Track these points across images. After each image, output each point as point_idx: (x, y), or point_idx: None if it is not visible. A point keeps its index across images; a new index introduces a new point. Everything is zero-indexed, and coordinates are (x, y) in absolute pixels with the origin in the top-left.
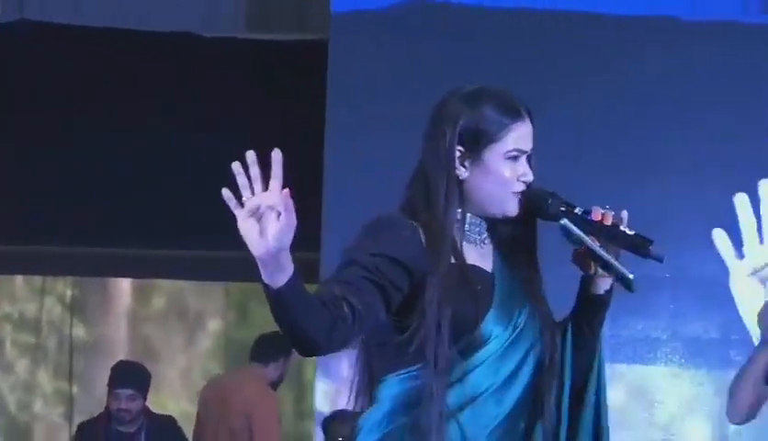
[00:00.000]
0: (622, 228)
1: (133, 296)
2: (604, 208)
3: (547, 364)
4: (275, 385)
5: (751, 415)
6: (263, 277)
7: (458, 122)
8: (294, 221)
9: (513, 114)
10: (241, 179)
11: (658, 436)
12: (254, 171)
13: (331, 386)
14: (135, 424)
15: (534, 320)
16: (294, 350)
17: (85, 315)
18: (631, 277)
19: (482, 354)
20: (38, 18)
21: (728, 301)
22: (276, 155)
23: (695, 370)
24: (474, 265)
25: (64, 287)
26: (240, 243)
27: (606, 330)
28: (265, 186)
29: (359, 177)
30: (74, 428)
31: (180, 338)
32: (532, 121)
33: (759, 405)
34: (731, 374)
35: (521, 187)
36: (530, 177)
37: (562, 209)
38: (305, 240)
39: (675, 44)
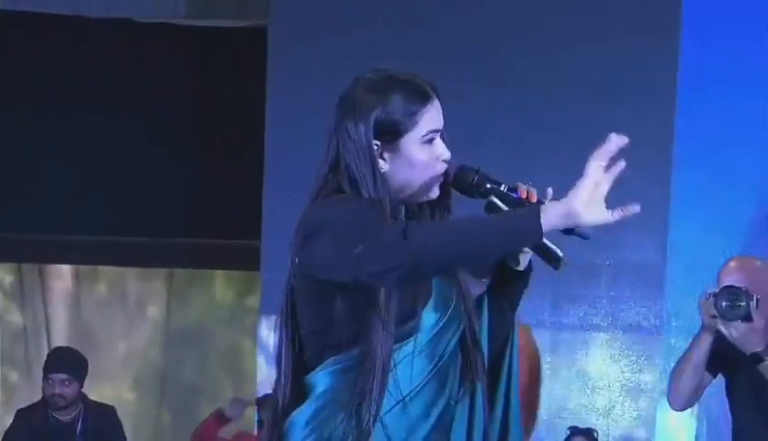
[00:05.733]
0: None
1: (74, 282)
2: (527, 184)
3: (470, 341)
4: None
5: (692, 401)
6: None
7: (371, 116)
8: None
9: (422, 98)
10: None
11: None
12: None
13: (273, 371)
14: (72, 411)
15: (460, 300)
16: None
17: (24, 301)
18: (561, 254)
19: (413, 342)
20: None
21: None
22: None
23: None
24: None
25: (4, 273)
26: (184, 231)
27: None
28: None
29: (300, 165)
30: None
31: (120, 325)
32: (438, 97)
33: (699, 391)
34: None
35: (442, 168)
36: (448, 155)
37: (488, 186)
38: (246, 228)
39: None
